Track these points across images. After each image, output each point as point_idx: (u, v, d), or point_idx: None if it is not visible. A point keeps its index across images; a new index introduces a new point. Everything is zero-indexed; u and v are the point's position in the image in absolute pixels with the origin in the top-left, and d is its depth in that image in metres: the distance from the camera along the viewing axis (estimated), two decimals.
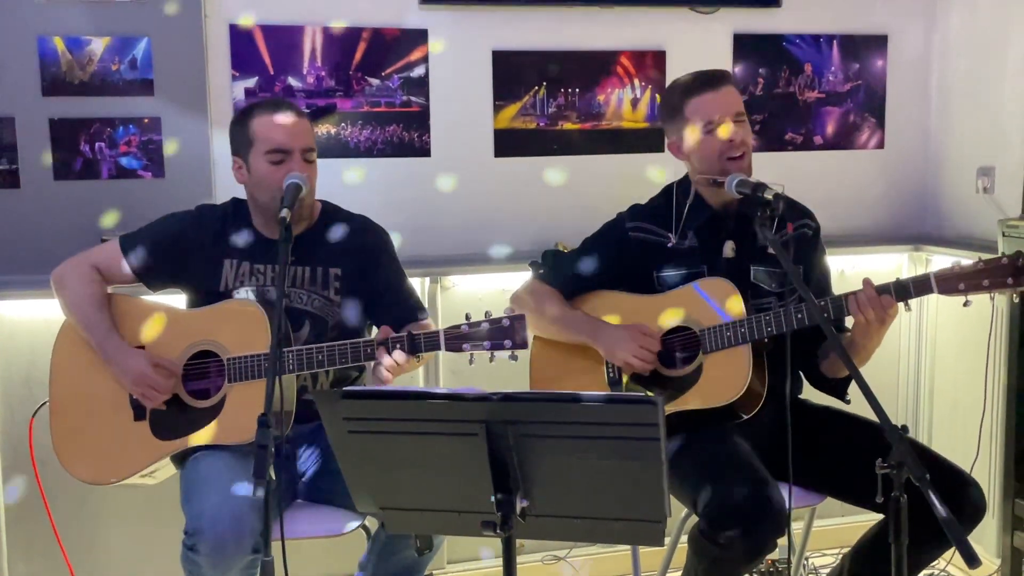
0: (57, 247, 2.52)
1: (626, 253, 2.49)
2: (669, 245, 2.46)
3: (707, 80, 2.41)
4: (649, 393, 2.38)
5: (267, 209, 2.33)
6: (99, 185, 2.86)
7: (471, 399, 1.49)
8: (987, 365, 3.03)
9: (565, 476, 1.56)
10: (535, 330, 2.52)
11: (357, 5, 3.03)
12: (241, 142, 2.34)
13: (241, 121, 2.35)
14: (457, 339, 2.16)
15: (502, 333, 2.14)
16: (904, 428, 1.67)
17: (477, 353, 2.18)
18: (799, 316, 2.23)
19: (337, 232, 2.44)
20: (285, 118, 2.31)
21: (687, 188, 2.49)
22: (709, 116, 2.38)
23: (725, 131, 2.37)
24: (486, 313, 2.19)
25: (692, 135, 2.41)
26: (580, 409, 1.48)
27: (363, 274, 2.43)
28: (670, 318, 2.39)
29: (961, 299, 2.20)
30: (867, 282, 2.22)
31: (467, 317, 2.20)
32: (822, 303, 2.26)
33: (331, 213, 2.48)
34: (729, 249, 2.44)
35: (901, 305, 2.22)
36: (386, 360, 2.15)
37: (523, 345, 2.15)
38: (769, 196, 2.11)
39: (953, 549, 2.84)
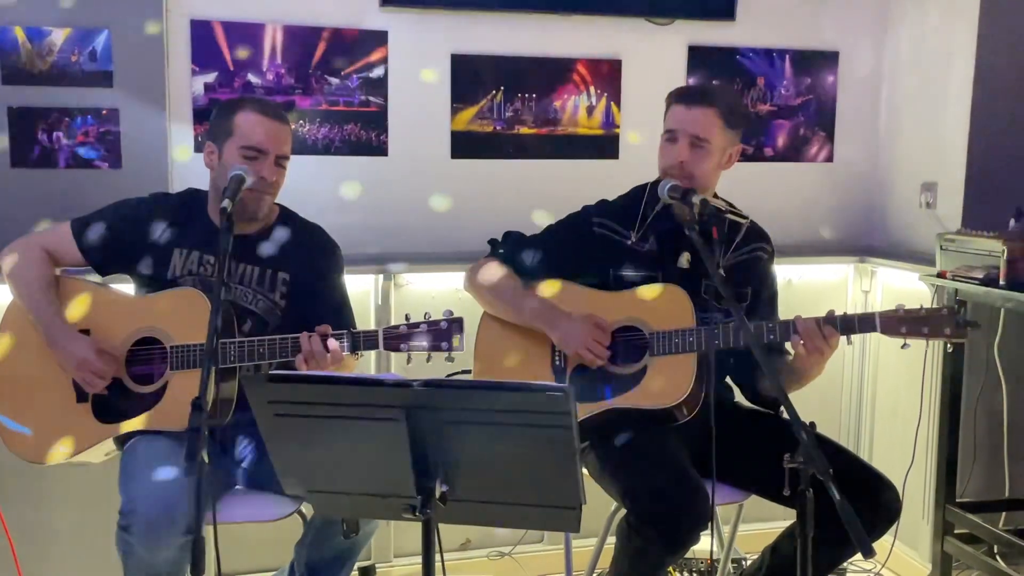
0: (11, 234, 2.54)
1: (587, 246, 2.55)
2: (628, 243, 2.52)
3: (685, 94, 2.49)
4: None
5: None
6: (56, 174, 2.90)
7: (391, 385, 1.55)
8: (923, 376, 3.12)
9: (484, 462, 1.61)
10: (486, 307, 2.58)
11: (318, 5, 3.08)
12: (221, 130, 2.37)
13: (227, 111, 2.39)
14: (396, 339, 2.25)
15: (440, 335, 2.23)
16: (812, 424, 1.74)
17: (416, 353, 2.26)
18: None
19: (290, 237, 2.49)
20: (270, 121, 2.36)
21: (658, 191, 2.54)
22: (670, 126, 2.47)
23: (672, 146, 2.44)
24: (425, 314, 2.26)
25: (661, 139, 2.50)
26: (495, 396, 1.54)
27: (309, 283, 2.47)
28: (621, 316, 2.45)
29: (900, 340, 2.29)
30: (830, 313, 2.32)
31: (407, 318, 2.27)
32: (770, 325, 2.34)
33: (288, 218, 2.52)
34: (685, 260, 2.50)
35: (843, 339, 2.30)
36: (315, 346, 2.20)
37: (459, 348, 2.23)
38: (696, 201, 2.18)
39: (888, 551, 2.94)
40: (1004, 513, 3.18)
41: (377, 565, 3.13)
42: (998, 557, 3.01)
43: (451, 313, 2.25)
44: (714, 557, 2.90)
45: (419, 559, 3.11)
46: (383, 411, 1.56)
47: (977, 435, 3.19)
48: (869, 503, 2.18)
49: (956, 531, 3.05)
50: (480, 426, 1.57)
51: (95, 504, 2.88)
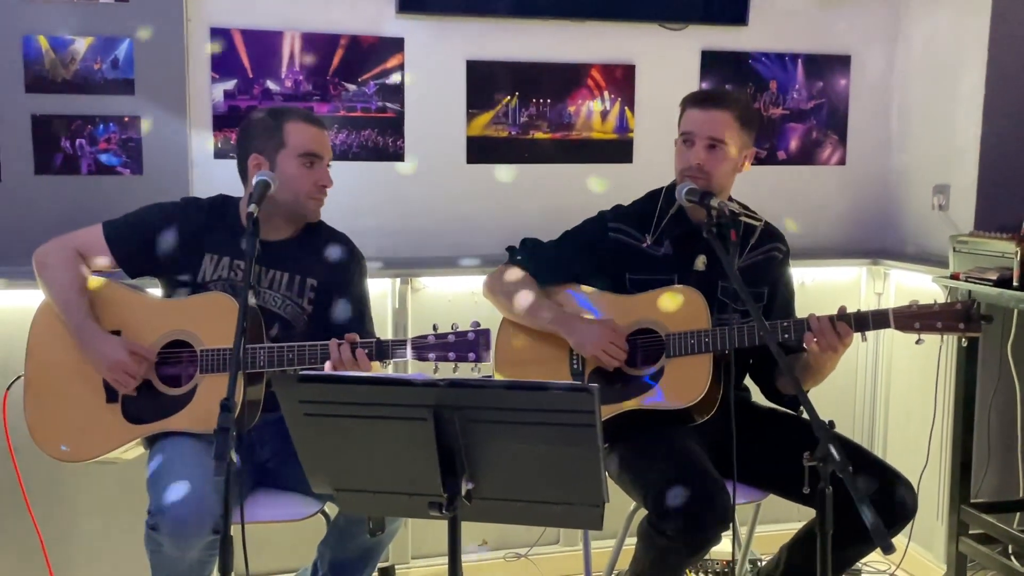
0: (36, 240, 2.58)
1: (603, 251, 2.58)
2: (644, 246, 2.55)
3: (700, 98, 2.53)
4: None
5: (283, 206, 2.42)
6: (78, 180, 2.94)
7: (420, 384, 1.57)
8: (937, 377, 3.14)
9: (509, 460, 1.64)
10: (505, 313, 2.61)
11: (335, 13, 3.12)
12: (270, 142, 2.42)
13: (271, 122, 2.43)
14: (423, 349, 2.28)
15: (467, 346, 2.26)
16: (831, 423, 1.76)
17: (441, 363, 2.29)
18: (761, 334, 2.32)
19: (318, 245, 2.54)
20: (318, 129, 2.45)
21: (673, 195, 2.55)
22: (686, 129, 2.50)
23: (689, 149, 2.47)
24: (453, 325, 2.30)
25: (676, 143, 2.53)
26: (521, 396, 1.57)
27: (335, 290, 2.52)
28: (637, 319, 2.48)
29: (915, 336, 2.31)
30: (842, 309, 2.33)
31: (434, 328, 2.30)
32: (784, 324, 2.36)
33: (317, 226, 2.57)
34: (700, 263, 2.53)
35: (857, 335, 2.32)
36: (345, 354, 2.24)
37: (485, 359, 2.26)
38: (715, 204, 2.21)
39: (903, 552, 2.95)
40: (1018, 513, 3.19)
41: (396, 566, 3.15)
42: (1013, 557, 3.02)
43: (478, 324, 2.28)
44: (731, 558, 2.93)
45: (437, 560, 3.23)
46: (411, 410, 1.59)
47: (991, 436, 3.20)
48: (886, 501, 2.20)
49: (971, 531, 3.06)
50: (506, 425, 1.60)
51: (123, 504, 2.93)
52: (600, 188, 3.29)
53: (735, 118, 2.48)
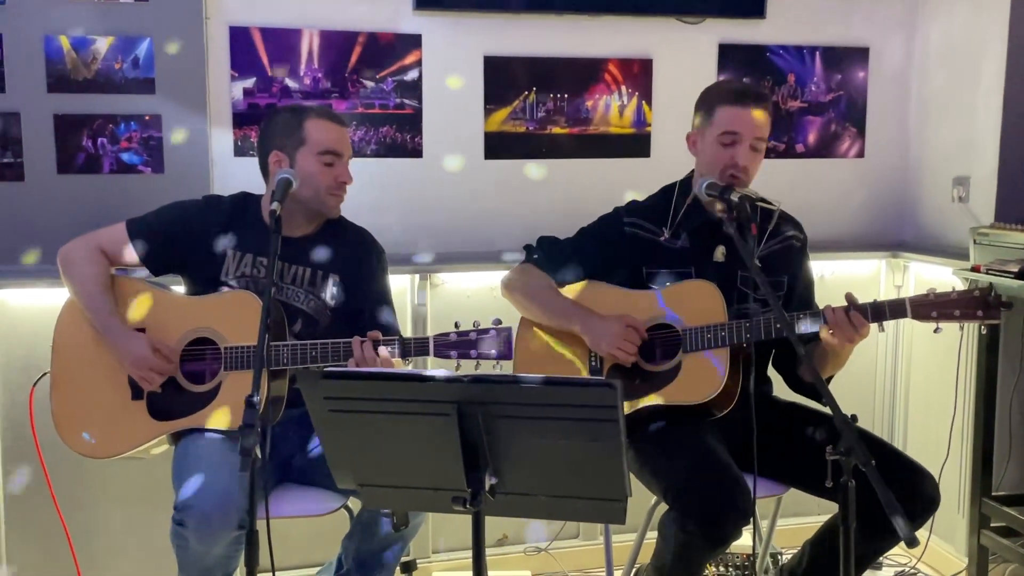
0: (59, 238, 2.61)
1: (619, 246, 2.58)
2: (661, 239, 2.55)
3: (745, 95, 2.45)
4: None
5: (304, 203, 2.45)
6: (100, 179, 2.96)
7: (442, 380, 1.59)
8: (958, 369, 3.13)
9: (532, 455, 1.65)
10: (523, 313, 2.62)
11: (353, 10, 3.13)
12: (291, 139, 2.44)
13: (292, 120, 2.46)
14: (445, 346, 2.30)
15: (489, 343, 2.27)
16: (853, 417, 1.76)
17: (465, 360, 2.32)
18: (778, 326, 2.32)
19: (339, 240, 2.56)
20: (338, 126, 2.47)
21: (688, 188, 2.56)
22: (731, 128, 2.43)
23: (737, 150, 2.42)
24: (475, 323, 2.31)
25: (711, 138, 2.47)
26: (544, 391, 1.58)
27: (357, 284, 2.54)
28: (654, 315, 2.48)
29: (933, 325, 2.30)
30: (849, 296, 2.32)
31: (456, 325, 2.32)
32: (800, 316, 2.35)
33: (337, 222, 2.59)
34: (719, 254, 2.53)
35: (874, 326, 2.31)
36: (367, 352, 2.26)
37: (508, 356, 2.27)
38: (735, 198, 2.20)
39: (924, 545, 2.94)
40: None
41: (417, 560, 3.17)
42: None
43: (500, 322, 2.29)
44: (752, 551, 2.93)
45: (458, 554, 3.24)
46: (434, 406, 1.60)
47: (1012, 428, 3.19)
48: (908, 494, 2.20)
49: (992, 524, 3.05)
50: (529, 420, 1.60)
51: (149, 499, 2.96)
52: (625, 195, 3.27)
53: (770, 115, 2.49)
